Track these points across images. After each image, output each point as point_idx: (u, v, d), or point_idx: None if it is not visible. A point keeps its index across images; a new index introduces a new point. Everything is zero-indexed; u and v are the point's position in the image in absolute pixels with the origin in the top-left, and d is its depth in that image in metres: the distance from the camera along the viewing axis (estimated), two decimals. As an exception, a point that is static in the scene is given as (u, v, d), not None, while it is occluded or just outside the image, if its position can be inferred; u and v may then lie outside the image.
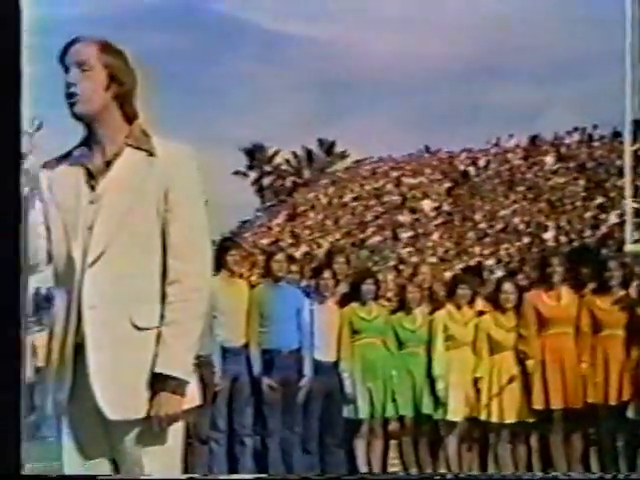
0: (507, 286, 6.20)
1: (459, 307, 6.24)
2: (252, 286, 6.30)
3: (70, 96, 2.35)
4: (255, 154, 50.53)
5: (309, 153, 49.33)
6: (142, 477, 2.36)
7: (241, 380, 5.91)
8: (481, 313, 6.25)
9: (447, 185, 27.10)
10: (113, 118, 2.39)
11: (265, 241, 27.09)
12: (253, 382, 5.93)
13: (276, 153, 50.19)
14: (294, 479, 5.05)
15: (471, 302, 6.29)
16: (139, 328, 2.31)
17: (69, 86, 2.36)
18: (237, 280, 6.14)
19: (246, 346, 5.95)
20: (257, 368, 5.92)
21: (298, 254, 21.80)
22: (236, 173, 48.65)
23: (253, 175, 50.07)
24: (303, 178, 45.61)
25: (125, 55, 2.43)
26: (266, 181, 49.86)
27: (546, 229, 21.82)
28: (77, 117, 2.38)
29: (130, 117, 2.41)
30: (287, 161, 50.27)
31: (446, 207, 25.80)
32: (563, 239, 20.74)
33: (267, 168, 50.21)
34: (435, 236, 24.00)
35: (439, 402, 6.12)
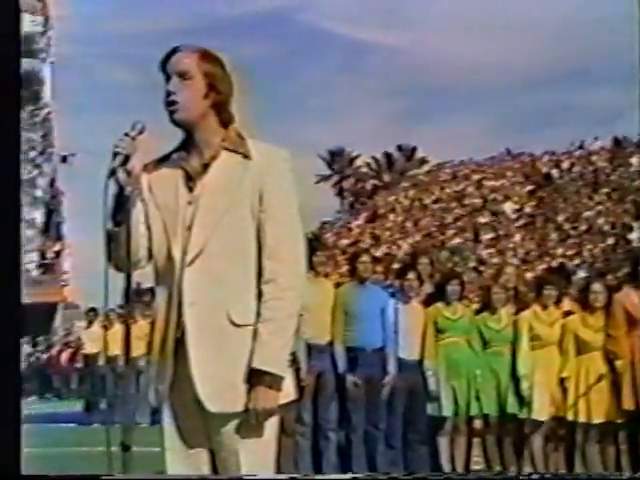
0: (596, 286, 6.07)
1: (545, 307, 6.13)
2: (337, 285, 6.33)
3: (170, 104, 2.38)
4: (336, 158, 50.73)
5: (389, 157, 49.23)
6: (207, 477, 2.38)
7: (326, 376, 5.94)
8: (568, 313, 6.14)
9: (529, 187, 26.66)
10: (210, 123, 2.41)
11: (345, 242, 27.16)
12: (338, 379, 5.95)
13: (356, 157, 50.31)
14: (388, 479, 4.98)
15: (557, 302, 6.18)
16: (236, 325, 2.33)
17: (169, 94, 2.38)
18: (322, 279, 6.18)
19: (331, 344, 5.97)
20: (342, 365, 5.95)
21: (378, 254, 21.75)
22: (318, 178, 48.91)
23: (334, 178, 50.30)
24: (383, 181, 45.54)
25: (223, 62, 2.45)
26: (346, 184, 50.00)
27: (631, 230, 21.23)
28: (176, 124, 2.41)
29: (226, 122, 2.42)
30: (367, 164, 50.31)
31: (528, 209, 25.38)
32: (649, 240, 20.14)
33: (347, 171, 50.35)
34: (517, 238, 23.62)
35: (524, 401, 6.03)
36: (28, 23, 32.85)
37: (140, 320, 10.03)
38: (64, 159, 30.20)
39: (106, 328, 11.93)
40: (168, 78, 2.41)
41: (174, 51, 2.42)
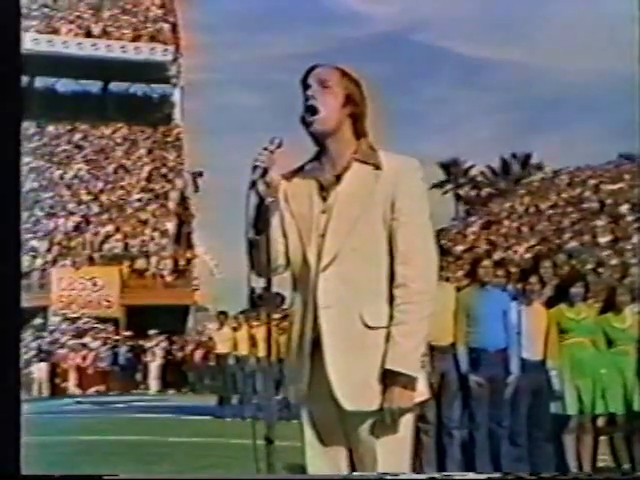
0: None
1: (671, 306, 5.91)
2: (458, 289, 6.27)
3: (309, 109, 2.41)
4: (451, 168, 50.22)
5: (505, 164, 48.32)
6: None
7: (449, 377, 5.92)
8: (695, 312, 5.89)
9: (648, 190, 25.53)
10: (345, 134, 2.44)
11: (460, 247, 26.79)
12: (460, 378, 5.91)
13: (471, 167, 49.67)
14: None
15: (684, 301, 5.94)
16: (370, 327, 2.35)
17: (308, 99, 2.42)
18: (444, 283, 6.14)
19: (453, 345, 5.94)
20: (464, 365, 5.91)
21: (496, 258, 21.33)
22: (432, 184, 48.53)
23: (449, 186, 49.80)
24: (499, 188, 44.72)
25: (360, 81, 2.48)
26: (461, 192, 49.38)
27: None
28: (313, 135, 2.44)
29: (360, 134, 2.46)
30: (482, 173, 49.54)
31: (647, 211, 24.31)
32: None
33: (462, 180, 49.74)
34: (635, 239, 22.68)
35: (651, 400, 5.82)
36: (161, 52, 34.23)
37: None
38: (200, 174, 31.38)
39: (235, 330, 12.43)
40: (307, 87, 2.43)
41: (315, 66, 2.47)
